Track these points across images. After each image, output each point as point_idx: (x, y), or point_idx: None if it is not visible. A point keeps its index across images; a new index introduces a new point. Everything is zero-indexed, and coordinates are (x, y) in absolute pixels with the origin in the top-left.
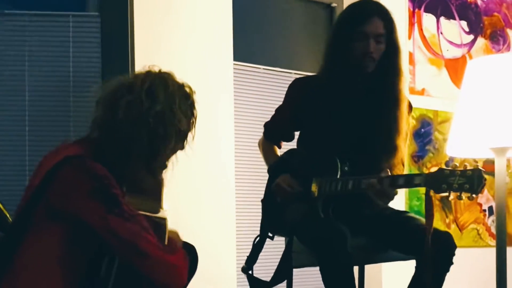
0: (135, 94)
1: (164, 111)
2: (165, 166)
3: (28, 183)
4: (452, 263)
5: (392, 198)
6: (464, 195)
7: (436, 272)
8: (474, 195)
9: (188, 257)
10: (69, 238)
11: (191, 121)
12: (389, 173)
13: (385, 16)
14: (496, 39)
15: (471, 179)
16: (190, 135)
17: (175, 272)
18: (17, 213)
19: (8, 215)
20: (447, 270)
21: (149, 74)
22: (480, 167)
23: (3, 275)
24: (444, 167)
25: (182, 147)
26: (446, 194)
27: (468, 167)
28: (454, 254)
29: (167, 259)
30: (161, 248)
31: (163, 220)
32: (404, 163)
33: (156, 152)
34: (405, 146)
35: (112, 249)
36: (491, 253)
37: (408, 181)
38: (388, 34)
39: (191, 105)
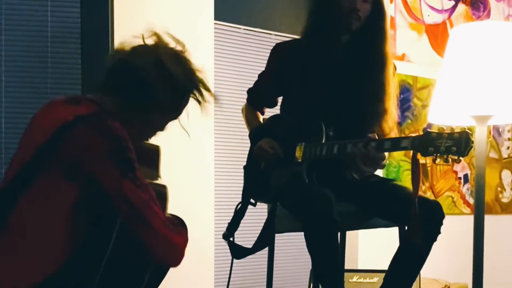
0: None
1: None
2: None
3: (22, 141)
4: (439, 233)
5: (379, 166)
6: (450, 158)
7: (423, 241)
8: (461, 158)
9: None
10: (81, 199)
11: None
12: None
13: None
14: (476, 5)
15: (459, 142)
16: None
17: (175, 251)
18: (16, 170)
19: None
20: (435, 239)
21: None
22: (467, 130)
23: None
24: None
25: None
26: (433, 157)
27: (456, 130)
28: (442, 224)
29: (169, 236)
30: (166, 224)
31: (164, 188)
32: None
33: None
34: (395, 110)
35: (119, 214)
36: (465, 220)
37: (395, 144)
38: None
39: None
